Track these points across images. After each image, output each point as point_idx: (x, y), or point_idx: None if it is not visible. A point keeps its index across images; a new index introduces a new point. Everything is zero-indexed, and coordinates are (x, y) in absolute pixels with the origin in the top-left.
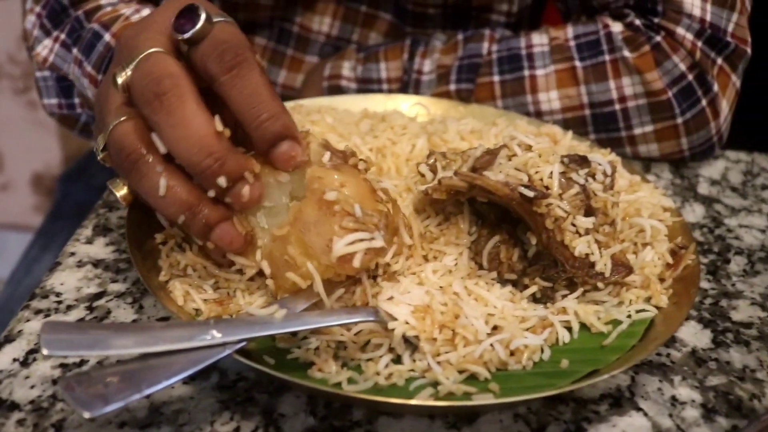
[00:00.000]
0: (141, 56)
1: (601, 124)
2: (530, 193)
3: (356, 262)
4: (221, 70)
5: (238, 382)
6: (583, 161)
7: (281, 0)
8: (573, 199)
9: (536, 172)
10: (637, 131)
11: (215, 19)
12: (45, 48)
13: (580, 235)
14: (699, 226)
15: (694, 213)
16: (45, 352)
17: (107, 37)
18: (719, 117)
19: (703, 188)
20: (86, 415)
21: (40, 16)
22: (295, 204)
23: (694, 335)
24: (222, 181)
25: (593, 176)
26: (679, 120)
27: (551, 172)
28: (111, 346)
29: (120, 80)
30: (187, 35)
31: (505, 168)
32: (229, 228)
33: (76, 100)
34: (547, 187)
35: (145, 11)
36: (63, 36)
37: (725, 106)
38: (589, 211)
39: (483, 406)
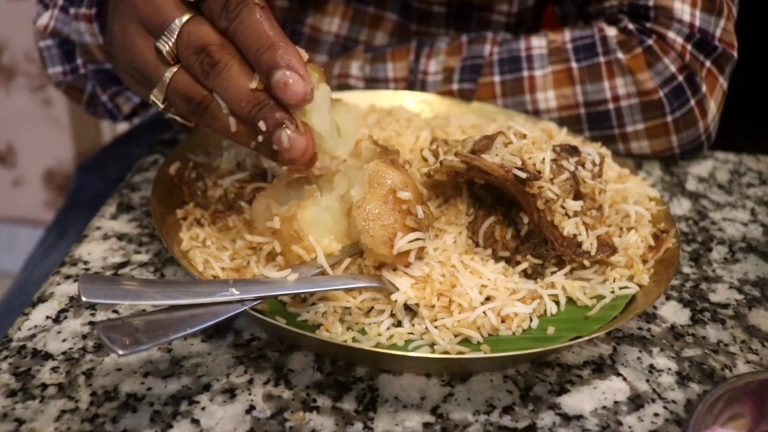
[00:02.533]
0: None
1: (595, 121)
2: (523, 175)
3: (411, 258)
4: (226, 24)
5: (251, 341)
6: (573, 150)
7: (295, 2)
8: (563, 183)
9: (529, 158)
10: (630, 129)
11: None
12: (46, 17)
13: (569, 217)
14: (685, 219)
15: (681, 207)
16: (83, 298)
17: None
18: (707, 116)
19: (691, 185)
20: (120, 352)
21: None
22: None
23: (674, 313)
24: (262, 125)
25: (583, 165)
26: (669, 118)
27: (543, 159)
28: (141, 297)
29: (164, 50)
30: None
31: (501, 152)
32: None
33: (79, 61)
34: (539, 171)
35: None
36: (60, 1)
37: (713, 106)
38: (577, 196)
39: (475, 359)
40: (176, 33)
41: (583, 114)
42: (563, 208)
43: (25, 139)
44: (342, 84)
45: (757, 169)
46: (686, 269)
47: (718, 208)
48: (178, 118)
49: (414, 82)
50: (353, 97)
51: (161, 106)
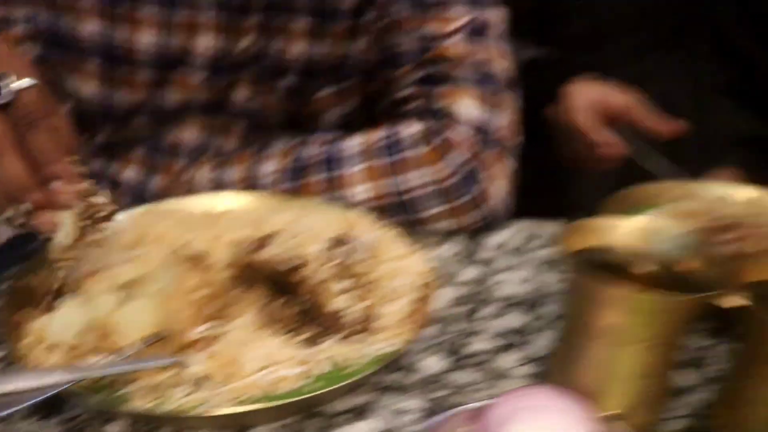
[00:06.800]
0: None
1: (400, 209)
2: (285, 267)
3: (206, 343)
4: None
5: (77, 416)
6: (344, 240)
7: (153, 119)
8: (331, 269)
9: (301, 250)
10: (431, 212)
11: (23, 87)
12: None
13: (337, 296)
14: (473, 282)
15: (469, 273)
16: None
17: None
18: (495, 196)
19: (486, 253)
20: None
21: None
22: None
23: (431, 365)
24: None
25: (354, 251)
26: (463, 200)
27: (313, 250)
28: None
29: None
30: None
31: (275, 249)
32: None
33: None
34: (305, 261)
35: None
36: None
37: (502, 185)
38: (346, 277)
39: (248, 412)
40: None
41: (390, 203)
42: (331, 289)
43: None
44: (191, 189)
45: (549, 233)
46: (462, 325)
47: (503, 270)
48: None
49: (254, 183)
50: (193, 203)
51: None
